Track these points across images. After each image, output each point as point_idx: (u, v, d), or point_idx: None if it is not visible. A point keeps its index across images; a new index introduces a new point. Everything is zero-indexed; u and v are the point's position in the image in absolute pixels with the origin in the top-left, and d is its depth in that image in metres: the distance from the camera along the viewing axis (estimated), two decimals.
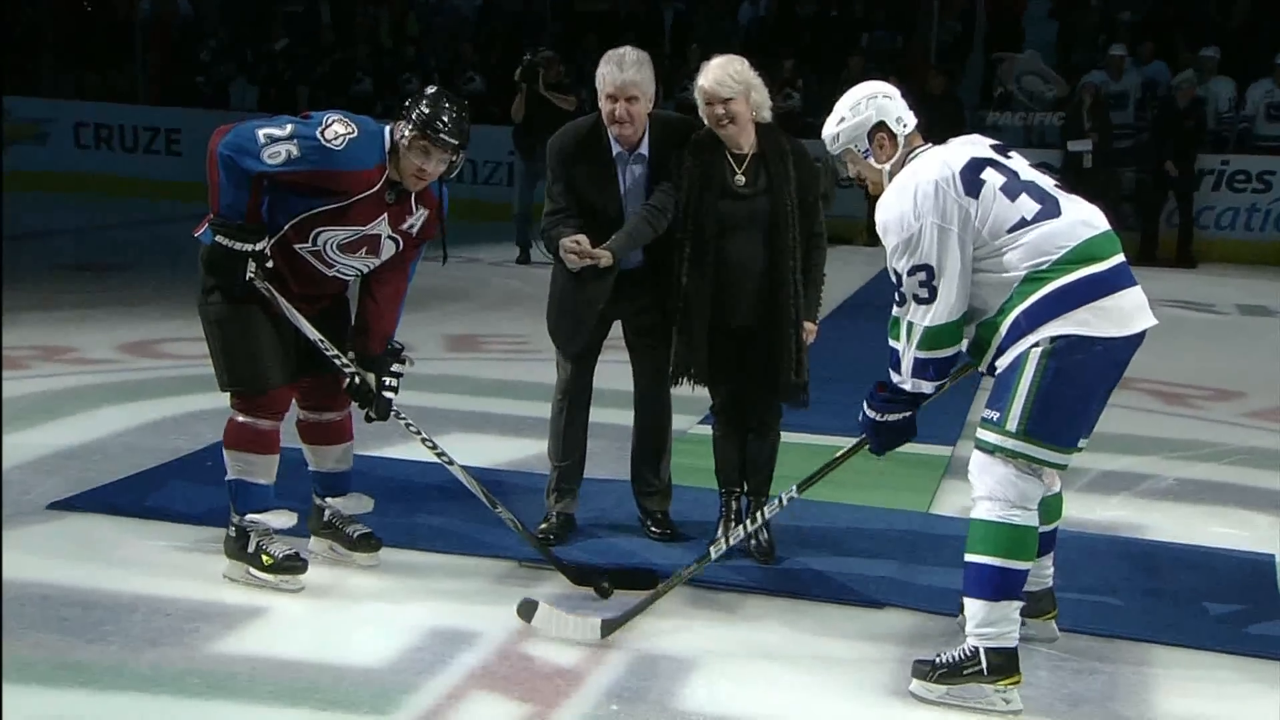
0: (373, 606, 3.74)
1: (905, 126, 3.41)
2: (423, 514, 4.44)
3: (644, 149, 4.06)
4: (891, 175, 3.38)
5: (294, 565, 3.77)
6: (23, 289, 8.40)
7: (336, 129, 3.57)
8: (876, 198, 3.39)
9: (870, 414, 3.44)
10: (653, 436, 4.37)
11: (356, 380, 3.79)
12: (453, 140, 3.62)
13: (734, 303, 4.01)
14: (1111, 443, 5.78)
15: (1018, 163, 3.34)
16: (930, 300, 3.21)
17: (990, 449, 3.22)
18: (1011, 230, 3.19)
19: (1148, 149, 12.14)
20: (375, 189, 3.64)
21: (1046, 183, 3.32)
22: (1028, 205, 3.21)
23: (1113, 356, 3.20)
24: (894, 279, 3.30)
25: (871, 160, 3.41)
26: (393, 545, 4.08)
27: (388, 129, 3.68)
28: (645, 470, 4.39)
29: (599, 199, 4.06)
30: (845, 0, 14.49)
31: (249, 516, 3.78)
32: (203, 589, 3.77)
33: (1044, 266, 3.17)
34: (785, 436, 4.27)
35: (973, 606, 3.27)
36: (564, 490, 4.33)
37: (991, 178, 3.23)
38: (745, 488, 4.26)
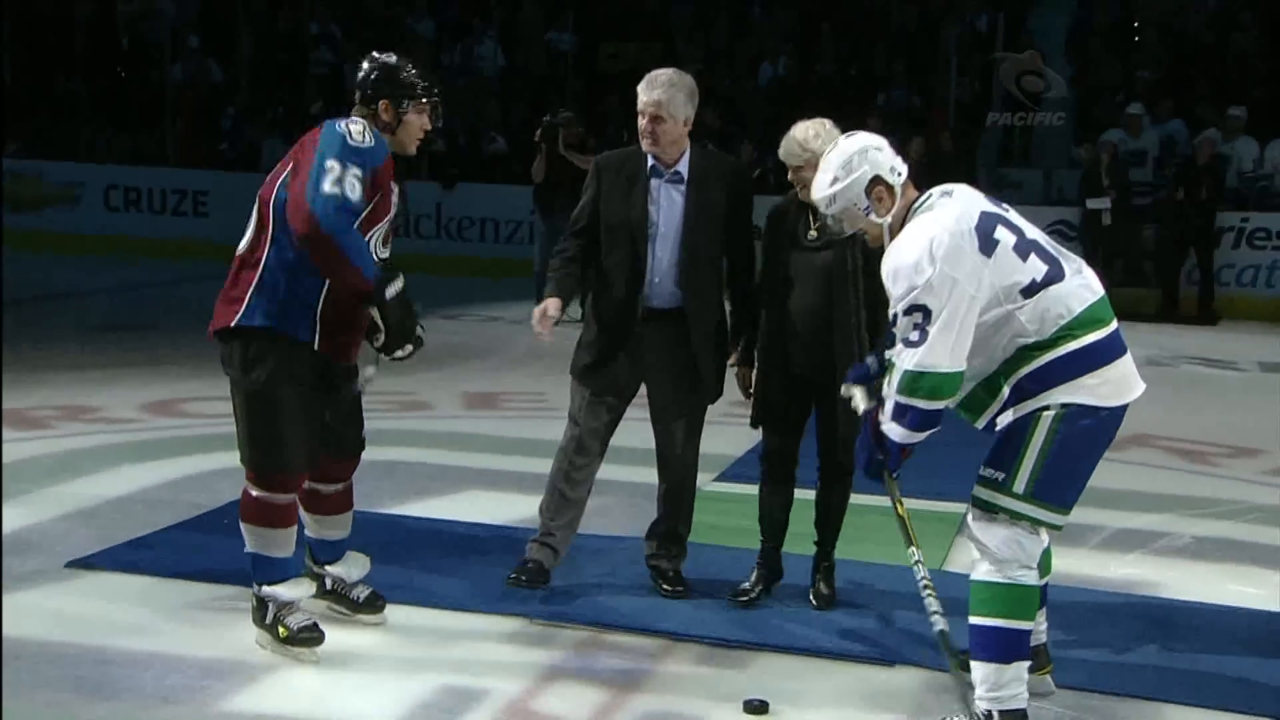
0: (382, 664, 3.75)
1: (899, 175, 3.41)
2: (427, 570, 4.45)
3: (681, 168, 4.19)
4: (892, 227, 3.38)
5: (310, 638, 3.74)
6: (50, 349, 8.52)
7: (353, 128, 3.57)
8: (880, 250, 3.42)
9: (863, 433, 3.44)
10: (684, 498, 4.36)
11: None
12: (435, 88, 3.74)
13: (795, 349, 4.13)
14: (1129, 500, 5.78)
15: (1017, 218, 3.36)
16: (918, 343, 3.16)
17: (993, 509, 3.23)
18: (1023, 292, 3.21)
19: (1166, 205, 12.17)
20: (392, 171, 3.70)
21: (1047, 240, 3.35)
22: (1037, 266, 3.24)
23: (1114, 423, 3.26)
24: (891, 323, 3.30)
25: (873, 216, 3.42)
26: (397, 602, 4.09)
27: (361, 116, 3.67)
28: (672, 533, 4.35)
29: (627, 209, 4.15)
30: (864, 59, 14.62)
31: (265, 589, 3.77)
32: (217, 646, 3.79)
33: (1050, 331, 3.20)
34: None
35: (982, 670, 3.26)
36: (546, 544, 4.30)
37: (1004, 237, 3.25)
38: (815, 537, 4.31)
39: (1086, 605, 4.37)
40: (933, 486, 4.87)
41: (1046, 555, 3.52)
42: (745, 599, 4.25)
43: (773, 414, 4.21)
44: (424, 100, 3.71)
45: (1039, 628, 3.54)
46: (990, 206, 3.34)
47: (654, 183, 4.18)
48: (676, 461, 4.32)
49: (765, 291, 4.20)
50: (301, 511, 3.91)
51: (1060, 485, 3.21)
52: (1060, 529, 3.31)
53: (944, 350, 3.15)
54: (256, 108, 15.70)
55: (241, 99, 15.92)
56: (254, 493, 3.74)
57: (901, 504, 3.52)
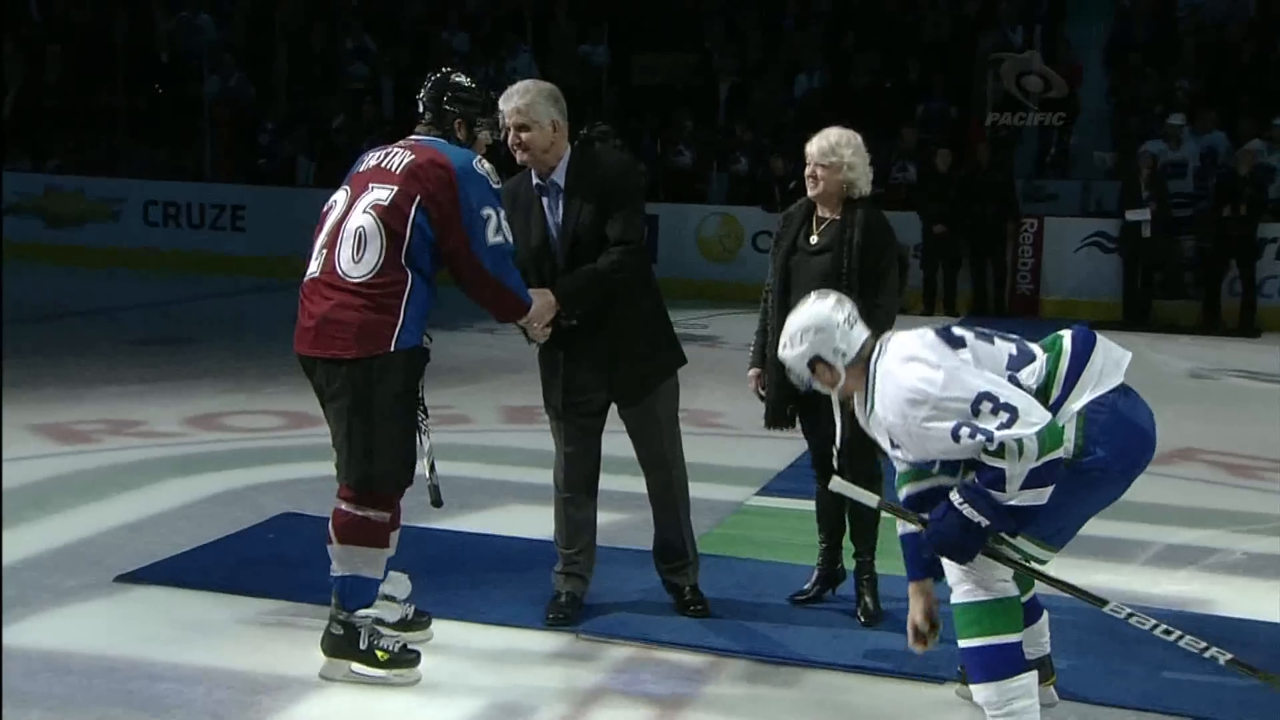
0: (430, 681, 3.73)
1: (843, 356, 3.31)
2: (470, 586, 4.45)
3: (558, 177, 4.08)
4: (849, 373, 3.31)
5: (411, 659, 3.71)
6: (92, 363, 8.61)
7: (488, 169, 3.67)
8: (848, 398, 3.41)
9: (961, 523, 3.18)
10: (669, 503, 4.26)
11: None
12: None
13: None
14: (1177, 515, 5.72)
15: (969, 329, 3.34)
16: (1015, 414, 3.06)
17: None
18: (1007, 366, 3.24)
19: (1206, 218, 12.06)
20: None
21: (998, 335, 3.35)
22: (1005, 347, 3.28)
23: (1123, 480, 3.28)
24: (954, 441, 3.08)
25: (815, 385, 3.40)
26: (441, 618, 4.08)
27: (430, 132, 3.75)
28: (668, 545, 4.28)
29: (524, 229, 4.07)
30: (899, 70, 14.58)
31: (359, 613, 3.69)
32: (265, 662, 3.80)
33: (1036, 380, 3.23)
34: None
35: (984, 692, 3.27)
36: (571, 573, 4.25)
37: (964, 333, 3.28)
38: (853, 550, 4.31)
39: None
40: None
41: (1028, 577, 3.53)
42: (803, 598, 4.31)
43: (808, 417, 4.20)
44: (493, 117, 3.79)
45: (1041, 639, 3.57)
46: (954, 331, 3.33)
47: (544, 201, 4.11)
48: (660, 470, 4.25)
49: (769, 294, 4.27)
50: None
51: (1053, 523, 3.23)
52: (1044, 563, 3.32)
53: (1032, 403, 3.12)
54: (291, 122, 15.82)
55: (277, 114, 16.06)
56: (360, 512, 3.65)
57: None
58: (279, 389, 7.78)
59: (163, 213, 15.03)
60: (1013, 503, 3.11)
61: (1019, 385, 3.19)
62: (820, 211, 4.24)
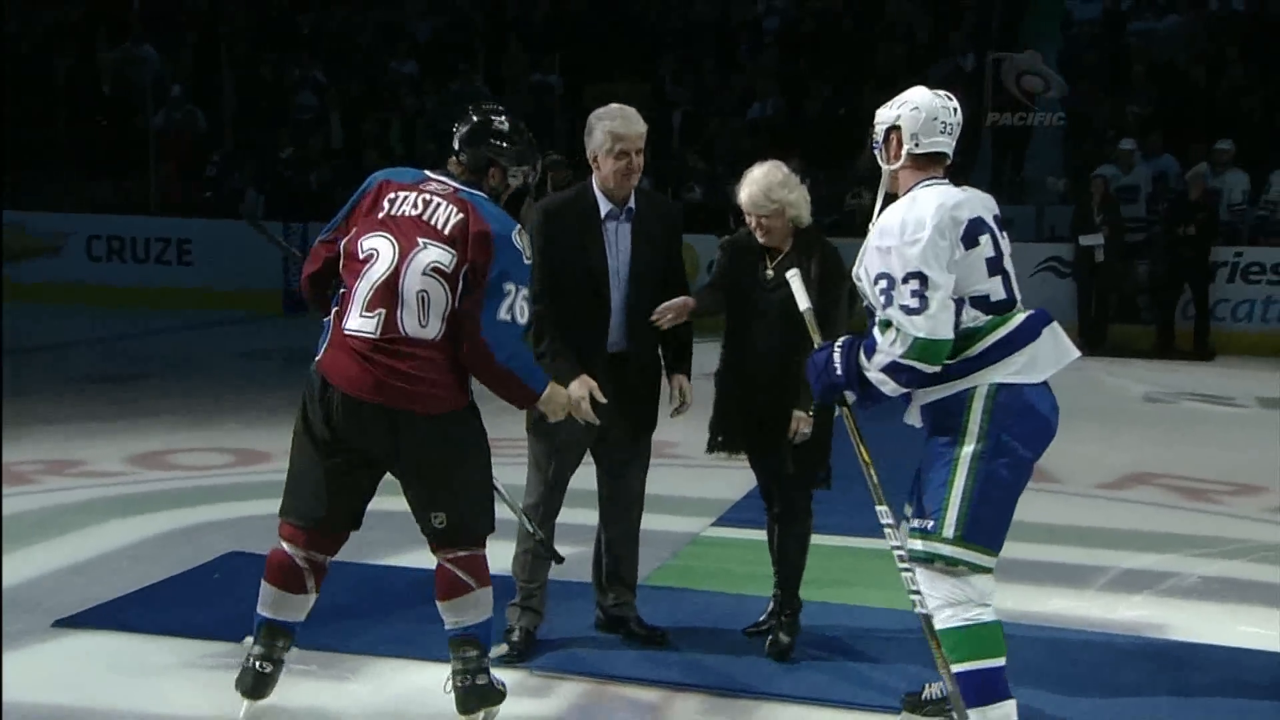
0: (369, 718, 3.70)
1: (916, 145, 3.46)
2: (421, 621, 4.28)
3: (632, 205, 4.17)
4: (890, 185, 3.49)
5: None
6: (33, 402, 8.48)
7: (527, 243, 3.58)
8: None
9: (829, 360, 3.45)
10: (635, 533, 4.33)
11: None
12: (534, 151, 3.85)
13: (757, 385, 4.16)
14: (1133, 540, 5.79)
15: (1005, 244, 3.48)
16: (921, 310, 3.24)
17: (928, 558, 3.32)
18: (975, 301, 3.35)
19: (1159, 241, 12.25)
20: None
21: (1012, 277, 3.46)
22: (997, 288, 3.39)
23: (1031, 462, 3.38)
24: (873, 282, 3.33)
25: (878, 156, 3.51)
26: (391, 656, 4.05)
27: (460, 174, 3.66)
28: (625, 579, 4.33)
29: (585, 254, 4.08)
30: (853, 98, 14.73)
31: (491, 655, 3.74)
32: (214, 705, 3.75)
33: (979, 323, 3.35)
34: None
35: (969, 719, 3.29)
36: (529, 608, 4.24)
37: (984, 247, 3.38)
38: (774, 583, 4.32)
39: (1096, 647, 4.37)
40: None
41: None
42: (756, 631, 4.31)
43: (740, 450, 4.27)
44: (532, 163, 3.75)
45: None
46: (989, 217, 3.46)
47: (609, 225, 4.14)
48: (635, 504, 4.31)
49: (726, 327, 4.26)
50: (302, 595, 3.72)
51: (987, 527, 3.32)
52: (990, 570, 3.38)
53: (946, 321, 3.26)
54: (239, 154, 15.76)
55: (225, 146, 15.98)
56: (482, 551, 3.65)
57: (863, 444, 3.54)
58: (227, 425, 7.73)
59: (107, 247, 14.90)
60: (868, 374, 3.32)
61: (958, 309, 3.29)
62: (773, 246, 4.22)
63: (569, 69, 15.98)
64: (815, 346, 3.58)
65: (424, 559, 5.18)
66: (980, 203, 3.45)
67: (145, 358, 11.35)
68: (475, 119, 3.71)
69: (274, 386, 9.50)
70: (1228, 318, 12.27)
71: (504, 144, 3.67)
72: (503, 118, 3.72)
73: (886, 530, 3.44)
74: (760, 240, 4.18)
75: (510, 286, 3.48)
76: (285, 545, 3.65)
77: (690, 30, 16.64)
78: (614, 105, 4.17)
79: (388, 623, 4.41)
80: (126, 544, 5.40)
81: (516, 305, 3.50)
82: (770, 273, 4.18)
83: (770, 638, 4.24)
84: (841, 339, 3.48)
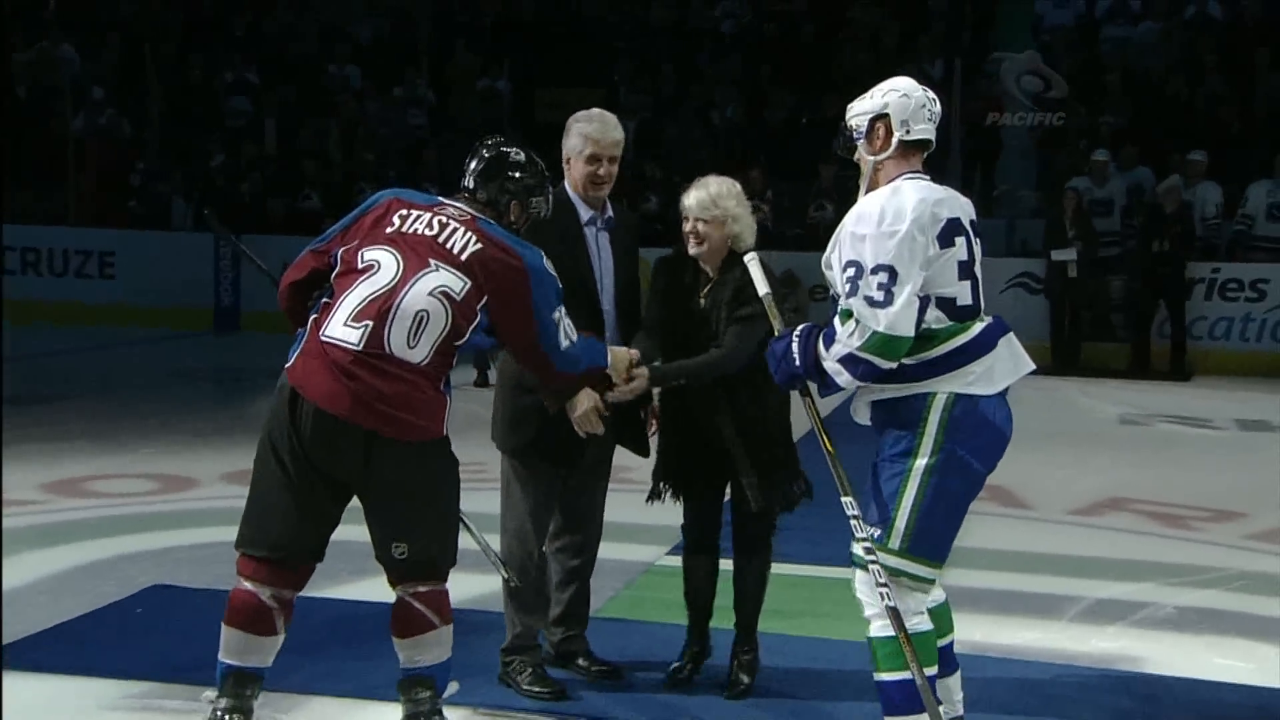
0: None
1: (908, 133, 3.53)
2: (363, 658, 4.33)
3: (610, 213, 4.23)
4: (871, 178, 3.55)
5: None
6: None
7: (550, 263, 3.67)
8: None
9: (788, 349, 3.52)
10: (592, 557, 4.36)
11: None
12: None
13: (703, 415, 4.13)
14: (1106, 568, 5.86)
15: (977, 250, 3.56)
16: (886, 304, 3.32)
17: (869, 566, 3.42)
18: (941, 303, 3.43)
19: (1135, 256, 12.39)
20: None
21: (980, 285, 3.55)
22: (964, 292, 3.48)
23: (983, 476, 3.48)
24: (842, 269, 3.40)
25: (861, 147, 3.58)
26: (332, 694, 4.04)
27: (477, 208, 3.72)
28: (578, 615, 4.35)
29: (574, 264, 4.09)
30: (816, 105, 14.85)
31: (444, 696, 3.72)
32: None
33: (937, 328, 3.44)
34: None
35: None
36: (530, 648, 4.25)
37: (959, 250, 3.46)
38: (734, 619, 4.30)
39: (1067, 682, 4.41)
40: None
41: (945, 609, 3.68)
42: (676, 679, 4.27)
43: (680, 480, 4.26)
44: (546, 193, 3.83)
45: (955, 698, 3.67)
46: (966, 220, 3.53)
47: (588, 230, 4.19)
48: (598, 530, 4.36)
49: (662, 358, 4.14)
50: (282, 621, 3.66)
51: (934, 539, 3.44)
52: (933, 582, 3.48)
53: (909, 318, 3.33)
54: (166, 161, 15.64)
55: (151, 153, 15.86)
56: (444, 587, 3.64)
57: (826, 435, 3.61)
58: (152, 449, 7.65)
59: (21, 259, 14.73)
60: (824, 364, 3.41)
61: (922, 307, 3.37)
62: (703, 265, 4.18)
63: (519, 74, 16.02)
64: (775, 334, 3.64)
65: (360, 589, 5.21)
66: (959, 204, 3.54)
67: (63, 377, 11.22)
68: (488, 155, 3.78)
69: (202, 409, 9.45)
70: (1205, 336, 12.40)
71: (522, 175, 3.76)
72: (515, 150, 3.81)
73: (853, 522, 3.48)
74: (692, 250, 4.14)
75: (557, 315, 3.63)
76: (248, 584, 3.56)
77: (647, 34, 16.72)
78: (595, 109, 4.26)
79: (324, 658, 4.38)
80: (41, 577, 5.34)
81: (564, 325, 3.65)
82: (704, 300, 4.16)
83: (730, 678, 4.22)
84: (800, 327, 3.56)
